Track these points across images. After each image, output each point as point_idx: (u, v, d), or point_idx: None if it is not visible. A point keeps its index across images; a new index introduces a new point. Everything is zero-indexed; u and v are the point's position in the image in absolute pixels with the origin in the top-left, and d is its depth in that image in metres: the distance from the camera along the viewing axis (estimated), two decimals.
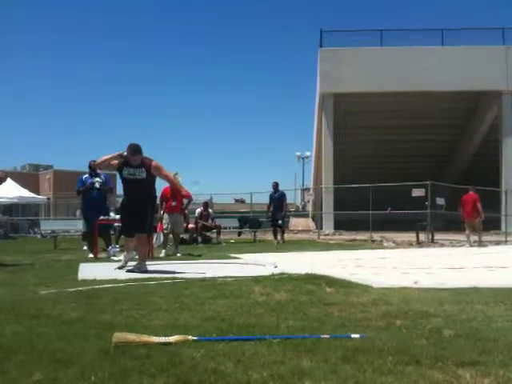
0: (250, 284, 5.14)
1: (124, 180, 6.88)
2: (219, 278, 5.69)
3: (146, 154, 6.91)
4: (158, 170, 6.87)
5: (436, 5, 71.70)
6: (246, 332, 3.10)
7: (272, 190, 15.14)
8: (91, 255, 9.52)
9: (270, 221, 15.40)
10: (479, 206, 14.59)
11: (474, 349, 2.72)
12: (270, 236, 17.91)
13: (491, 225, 20.79)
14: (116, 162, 6.88)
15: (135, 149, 6.74)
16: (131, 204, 6.92)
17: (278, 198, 15.01)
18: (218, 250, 11.41)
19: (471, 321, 3.46)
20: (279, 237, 14.98)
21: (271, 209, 15.09)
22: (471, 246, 14.37)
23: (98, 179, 9.88)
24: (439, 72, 22.46)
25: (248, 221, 17.70)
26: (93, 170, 9.85)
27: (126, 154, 6.74)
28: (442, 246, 14.84)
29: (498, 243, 16.31)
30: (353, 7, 75.80)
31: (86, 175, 10.04)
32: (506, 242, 16.72)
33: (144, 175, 6.74)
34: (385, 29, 24.09)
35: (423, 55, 23.04)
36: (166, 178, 7.20)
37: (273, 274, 5.91)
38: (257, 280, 5.44)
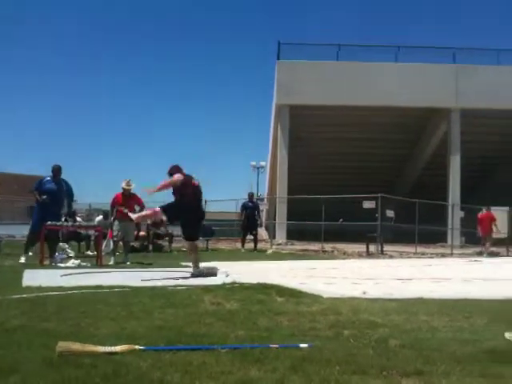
0: (200, 293, 5.10)
1: None
2: (169, 286, 5.62)
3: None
4: None
5: (391, 23, 73.96)
6: (195, 342, 3.07)
7: (247, 199, 16.39)
8: (23, 259, 9.25)
9: (242, 229, 16.08)
10: (495, 224, 17.42)
11: (418, 359, 2.78)
12: (222, 245, 17.92)
13: (438, 238, 21.48)
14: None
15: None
16: None
17: (253, 208, 15.84)
18: (169, 259, 11.27)
19: (416, 331, 3.54)
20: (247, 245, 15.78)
21: (242, 217, 15.80)
22: (488, 256, 16.44)
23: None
24: (393, 88, 23.06)
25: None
26: (55, 175, 9.66)
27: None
28: (391, 257, 15.17)
29: (443, 255, 16.81)
30: (311, 22, 77.08)
31: (48, 178, 9.76)
32: (451, 255, 17.24)
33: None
34: (341, 44, 24.57)
35: (378, 70, 23.62)
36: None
37: (224, 284, 5.89)
38: (208, 289, 5.39)
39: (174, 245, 14.95)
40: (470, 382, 2.43)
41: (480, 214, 18.11)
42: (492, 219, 17.59)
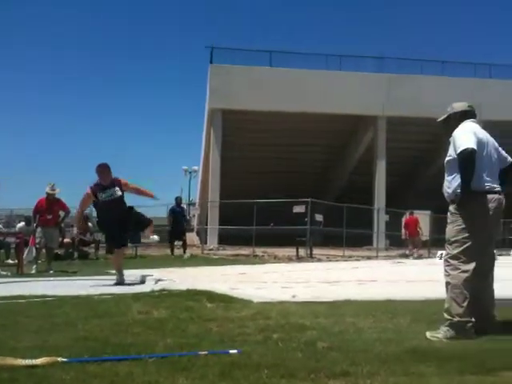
0: (128, 301, 4.96)
1: (102, 203, 7.18)
2: (95, 295, 5.44)
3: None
4: (125, 186, 7.28)
5: (320, 31, 76.01)
6: (122, 352, 2.97)
7: (175, 204, 16.07)
8: None
9: (170, 235, 15.83)
10: (420, 226, 18.67)
11: (345, 360, 2.82)
12: (152, 251, 17.60)
13: (364, 241, 22.21)
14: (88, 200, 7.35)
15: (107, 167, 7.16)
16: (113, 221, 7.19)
17: (180, 213, 15.84)
18: (95, 267, 10.92)
19: (343, 333, 3.61)
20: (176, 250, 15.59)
21: (170, 223, 15.66)
22: (414, 258, 17.50)
23: None
24: (323, 95, 23.65)
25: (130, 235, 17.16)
26: None
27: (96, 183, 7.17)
28: (320, 260, 15.51)
29: (369, 258, 17.38)
30: (245, 28, 77.66)
31: None
32: (377, 258, 17.85)
33: (119, 193, 7.11)
34: (274, 50, 24.95)
35: (309, 78, 24.14)
36: (136, 191, 7.53)
37: (153, 291, 5.76)
38: (136, 297, 5.26)
39: (100, 252, 14.48)
40: (394, 382, 2.50)
41: (406, 218, 19.02)
42: (417, 222, 18.49)
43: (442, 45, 60.95)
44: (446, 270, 3.70)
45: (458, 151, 3.60)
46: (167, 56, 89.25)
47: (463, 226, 3.63)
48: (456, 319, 3.51)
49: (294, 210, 16.99)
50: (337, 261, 15.55)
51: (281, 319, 4.07)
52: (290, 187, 26.35)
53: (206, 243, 20.47)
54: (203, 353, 2.91)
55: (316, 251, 16.85)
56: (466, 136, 3.64)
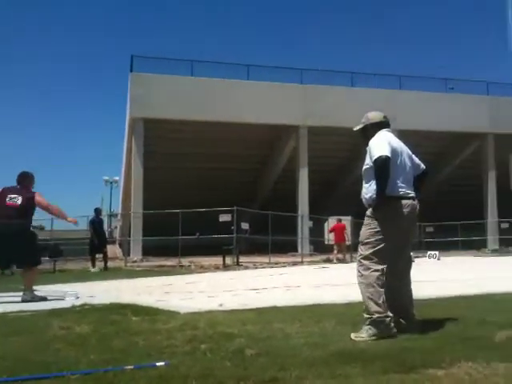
0: (47, 318, 4.73)
1: None
2: (11, 313, 5.15)
3: None
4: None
5: (242, 42, 77.03)
6: (43, 370, 2.83)
7: (94, 215, 15.53)
8: None
9: (91, 247, 15.22)
10: (347, 232, 19.54)
11: (273, 366, 2.84)
12: (71, 265, 16.97)
13: (290, 247, 22.58)
14: None
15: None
16: None
17: (100, 224, 15.50)
18: (10, 282, 10.33)
19: (271, 339, 3.64)
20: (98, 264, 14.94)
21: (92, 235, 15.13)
22: (337, 262, 18.24)
23: None
24: (245, 104, 23.91)
25: (47, 249, 16.41)
26: None
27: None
28: (247, 268, 15.58)
29: (295, 264, 17.67)
30: (166, 38, 77.22)
31: None
32: (302, 263, 18.18)
33: (19, 202, 6.66)
34: (195, 59, 24.94)
35: (231, 87, 24.32)
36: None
37: (74, 306, 5.53)
38: (55, 313, 5.03)
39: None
40: None
41: (333, 224, 19.69)
42: (343, 229, 19.31)
43: (359, 58, 63.67)
44: (358, 271, 3.84)
45: (373, 159, 3.76)
46: (87, 65, 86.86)
47: (377, 228, 3.78)
48: (375, 316, 3.64)
49: (221, 219, 17.00)
50: (263, 268, 15.68)
51: (208, 329, 4.04)
52: (216, 196, 26.35)
53: (129, 255, 19.99)
54: (129, 367, 2.83)
55: (243, 259, 16.93)
56: (381, 145, 3.81)
